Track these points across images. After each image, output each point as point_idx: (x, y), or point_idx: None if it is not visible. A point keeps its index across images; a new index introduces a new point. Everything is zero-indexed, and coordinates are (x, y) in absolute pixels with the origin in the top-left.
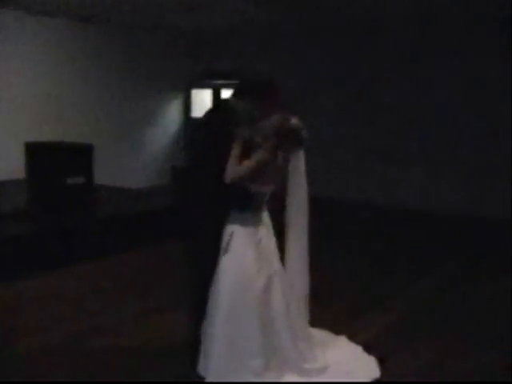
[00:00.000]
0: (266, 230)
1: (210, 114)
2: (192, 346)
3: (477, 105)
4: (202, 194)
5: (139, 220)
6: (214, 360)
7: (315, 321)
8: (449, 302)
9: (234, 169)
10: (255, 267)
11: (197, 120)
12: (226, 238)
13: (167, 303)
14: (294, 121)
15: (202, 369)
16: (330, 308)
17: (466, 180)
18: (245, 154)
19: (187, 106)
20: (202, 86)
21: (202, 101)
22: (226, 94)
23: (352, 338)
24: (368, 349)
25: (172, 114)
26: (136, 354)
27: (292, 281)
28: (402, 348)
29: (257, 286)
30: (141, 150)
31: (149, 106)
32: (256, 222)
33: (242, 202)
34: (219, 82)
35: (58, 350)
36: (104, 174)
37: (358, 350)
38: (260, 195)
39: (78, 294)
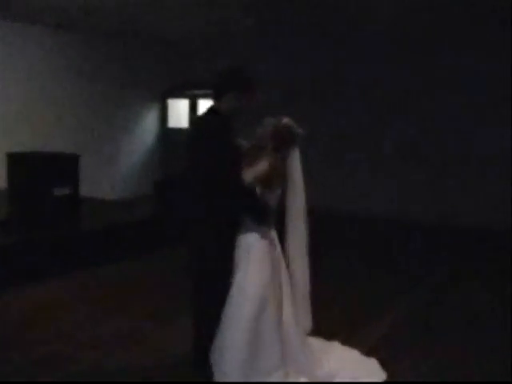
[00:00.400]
0: (274, 238)
1: (197, 123)
2: (196, 356)
3: (476, 106)
4: (203, 204)
5: (124, 231)
6: (235, 371)
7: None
8: (445, 310)
9: (249, 171)
10: (272, 279)
11: (178, 130)
12: (242, 250)
13: (159, 315)
14: (286, 120)
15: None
16: (325, 319)
17: (466, 189)
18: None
19: (163, 116)
20: (179, 95)
21: (179, 111)
22: (204, 103)
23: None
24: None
25: (148, 125)
26: (130, 368)
27: (293, 281)
28: (402, 356)
29: (275, 299)
30: (117, 160)
31: (124, 116)
32: (269, 232)
33: (258, 214)
34: (196, 91)
35: (48, 364)
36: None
37: (356, 353)
38: (271, 202)
39: (64, 306)
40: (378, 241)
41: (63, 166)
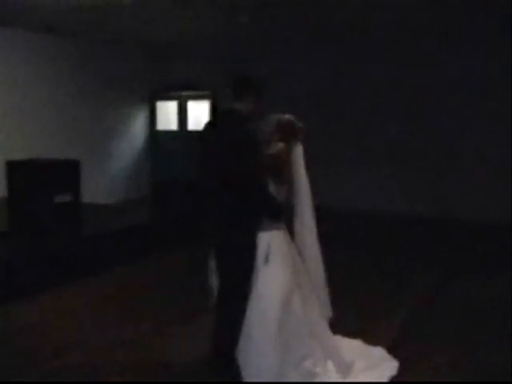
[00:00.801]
0: (287, 233)
1: (214, 123)
2: (217, 357)
3: (476, 107)
4: (226, 204)
5: (127, 236)
6: (270, 367)
7: None
8: (445, 307)
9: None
10: (294, 273)
11: (167, 133)
12: (263, 247)
13: (165, 323)
14: (288, 115)
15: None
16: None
17: (466, 184)
18: None
19: (152, 118)
20: (167, 98)
21: (168, 113)
22: (193, 105)
23: None
24: None
25: (137, 128)
26: (141, 373)
27: (309, 271)
28: (402, 355)
29: (299, 291)
30: (107, 164)
31: (113, 119)
32: (284, 228)
33: (274, 210)
34: (184, 93)
35: (60, 375)
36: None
37: (361, 343)
38: (280, 198)
39: (71, 315)
40: (378, 238)
41: (64, 173)
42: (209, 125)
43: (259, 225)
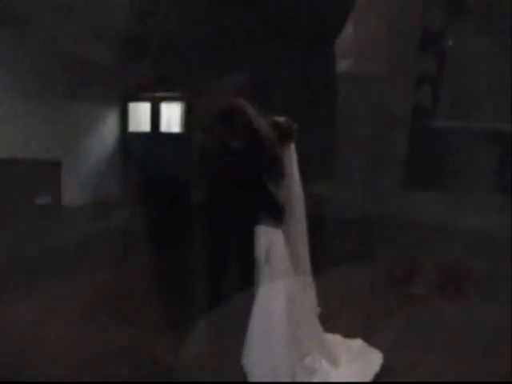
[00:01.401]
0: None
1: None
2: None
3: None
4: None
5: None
6: (284, 366)
7: None
8: (445, 308)
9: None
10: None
11: (139, 135)
12: (263, 242)
13: (162, 325)
14: (283, 118)
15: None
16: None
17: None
18: None
19: (124, 120)
20: (140, 99)
21: (140, 115)
22: (166, 107)
23: None
24: None
25: (108, 129)
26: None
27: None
28: (402, 355)
29: (299, 292)
30: (77, 165)
31: (84, 119)
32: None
33: (276, 208)
34: (158, 94)
35: None
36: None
37: (339, 337)
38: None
39: (59, 320)
40: (378, 239)
41: (45, 174)
42: (209, 125)
43: (259, 221)
